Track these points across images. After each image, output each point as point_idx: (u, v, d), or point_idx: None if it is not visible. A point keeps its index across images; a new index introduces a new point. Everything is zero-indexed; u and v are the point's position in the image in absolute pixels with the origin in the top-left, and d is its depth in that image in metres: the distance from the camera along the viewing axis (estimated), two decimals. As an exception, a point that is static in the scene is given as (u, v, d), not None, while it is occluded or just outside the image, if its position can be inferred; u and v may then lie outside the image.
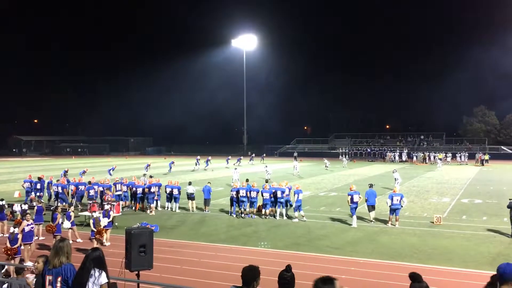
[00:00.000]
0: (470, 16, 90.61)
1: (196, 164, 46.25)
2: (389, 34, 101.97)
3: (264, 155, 63.42)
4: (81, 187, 22.42)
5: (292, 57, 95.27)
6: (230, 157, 55.75)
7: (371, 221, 18.53)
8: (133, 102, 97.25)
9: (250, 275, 4.75)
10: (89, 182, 22.61)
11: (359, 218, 18.58)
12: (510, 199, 16.23)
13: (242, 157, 58.92)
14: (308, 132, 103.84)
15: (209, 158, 49.59)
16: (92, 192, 21.52)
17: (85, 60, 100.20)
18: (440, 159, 52.08)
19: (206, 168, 46.86)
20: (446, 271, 12.09)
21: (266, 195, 19.66)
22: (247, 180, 23.28)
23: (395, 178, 29.93)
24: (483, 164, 54.69)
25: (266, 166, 38.83)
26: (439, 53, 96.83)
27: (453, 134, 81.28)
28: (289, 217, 19.45)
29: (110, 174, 35.01)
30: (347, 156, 63.57)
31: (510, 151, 68.32)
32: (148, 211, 21.18)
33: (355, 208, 17.97)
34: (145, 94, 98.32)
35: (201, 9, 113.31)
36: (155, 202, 21.63)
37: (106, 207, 15.51)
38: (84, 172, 32.34)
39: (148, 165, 40.93)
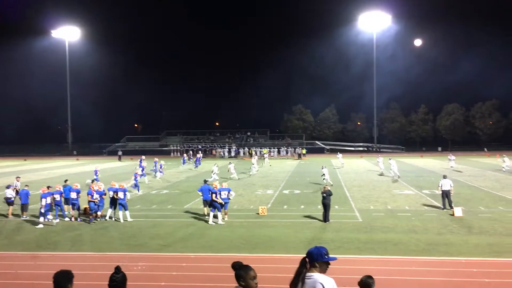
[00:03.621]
0: (285, 23, 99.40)
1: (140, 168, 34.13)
2: (218, 36, 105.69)
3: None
4: None
5: (120, 53, 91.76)
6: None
7: (206, 215, 18.88)
8: None
9: (63, 279, 4.60)
10: None
11: (192, 213, 18.87)
12: (324, 189, 18.22)
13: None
14: (138, 130, 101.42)
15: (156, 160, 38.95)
16: None
17: None
18: (266, 154, 56.07)
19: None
20: (269, 258, 13.07)
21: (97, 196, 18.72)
22: (65, 181, 21.57)
23: (213, 171, 32.45)
24: (300, 158, 60.53)
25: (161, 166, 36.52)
26: (265, 56, 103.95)
27: (276, 130, 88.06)
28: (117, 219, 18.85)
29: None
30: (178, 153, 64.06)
31: (323, 145, 77.23)
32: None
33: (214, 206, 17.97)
34: None
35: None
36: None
37: None
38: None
39: (97, 171, 31.50)
